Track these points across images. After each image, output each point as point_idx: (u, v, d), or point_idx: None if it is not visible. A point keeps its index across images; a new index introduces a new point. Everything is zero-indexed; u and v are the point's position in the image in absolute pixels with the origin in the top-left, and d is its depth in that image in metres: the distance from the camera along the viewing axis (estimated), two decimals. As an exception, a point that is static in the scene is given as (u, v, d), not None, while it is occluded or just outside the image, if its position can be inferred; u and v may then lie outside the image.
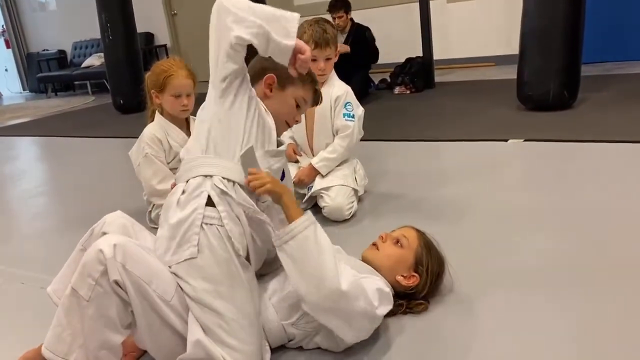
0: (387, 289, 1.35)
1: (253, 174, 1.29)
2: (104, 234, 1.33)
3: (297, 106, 1.46)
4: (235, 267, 1.24)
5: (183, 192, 1.28)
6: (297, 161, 2.37)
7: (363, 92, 4.88)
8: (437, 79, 5.37)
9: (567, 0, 3.48)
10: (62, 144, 4.84)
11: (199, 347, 1.17)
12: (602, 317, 1.37)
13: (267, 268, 1.44)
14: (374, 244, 1.49)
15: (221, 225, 1.23)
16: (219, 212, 1.24)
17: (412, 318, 1.44)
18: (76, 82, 9.25)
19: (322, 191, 2.21)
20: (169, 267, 1.23)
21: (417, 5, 5.15)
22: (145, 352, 1.35)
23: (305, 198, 2.28)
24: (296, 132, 2.41)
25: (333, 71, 2.34)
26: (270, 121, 1.38)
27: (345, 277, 1.21)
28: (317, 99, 1.51)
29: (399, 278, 1.41)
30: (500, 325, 1.38)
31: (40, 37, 9.90)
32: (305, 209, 1.66)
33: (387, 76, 5.48)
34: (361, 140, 2.39)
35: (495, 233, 1.93)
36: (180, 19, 8.35)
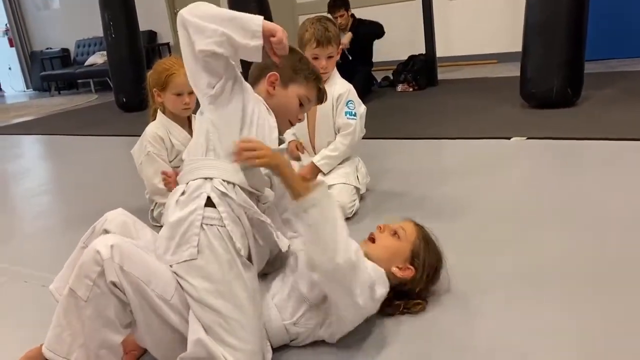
0: (381, 271, 1.34)
1: (246, 142, 1.26)
2: (105, 231, 1.34)
3: (301, 105, 1.45)
4: (237, 267, 1.24)
5: (183, 193, 1.28)
6: (299, 158, 2.37)
7: (366, 89, 4.87)
8: (440, 76, 5.35)
9: (571, -3, 3.48)
10: (65, 142, 4.85)
11: (200, 346, 1.17)
12: (606, 317, 1.36)
13: (269, 267, 1.43)
14: (371, 237, 1.47)
15: (222, 226, 1.23)
16: (220, 212, 1.23)
17: (410, 318, 1.43)
18: (79, 81, 9.27)
19: (324, 189, 2.21)
20: (170, 266, 1.23)
21: (419, 2, 5.14)
22: (146, 350, 1.35)
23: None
24: (298, 130, 2.40)
25: (335, 69, 2.34)
26: (272, 121, 1.37)
27: (355, 248, 1.24)
28: (321, 97, 1.50)
29: (394, 269, 1.39)
30: (500, 325, 1.38)
31: (44, 35, 9.92)
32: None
33: (389, 74, 5.47)
34: (363, 138, 2.38)
35: (498, 231, 1.92)
36: (182, 17, 8.35)
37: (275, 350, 1.34)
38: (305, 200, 1.23)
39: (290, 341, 1.36)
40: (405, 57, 5.37)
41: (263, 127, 1.34)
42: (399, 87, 5.17)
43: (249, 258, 1.28)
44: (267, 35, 1.22)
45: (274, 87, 1.41)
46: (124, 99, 5.77)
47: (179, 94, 2.22)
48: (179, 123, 2.31)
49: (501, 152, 2.91)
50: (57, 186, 3.47)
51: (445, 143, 3.24)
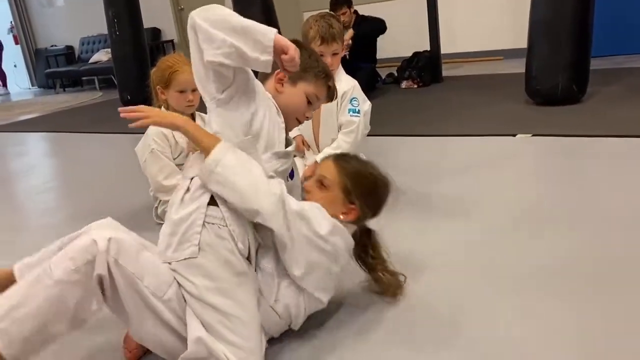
0: (333, 220, 1.31)
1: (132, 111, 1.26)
2: None
3: (309, 103, 1.43)
4: (237, 266, 1.23)
5: (187, 190, 1.27)
6: (303, 154, 2.36)
7: (370, 86, 4.86)
8: (444, 73, 5.34)
9: (576, -7, 3.45)
10: (70, 139, 4.86)
11: (200, 345, 1.17)
12: (608, 318, 1.35)
13: None
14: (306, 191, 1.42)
15: (224, 225, 1.23)
16: (222, 212, 1.23)
17: (413, 316, 1.43)
18: (84, 78, 9.29)
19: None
20: (169, 263, 1.23)
21: (424, -2, 5.12)
22: (148, 350, 1.35)
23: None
24: (302, 127, 2.39)
25: (340, 66, 2.33)
26: (280, 122, 1.37)
27: (278, 188, 1.24)
28: (331, 95, 1.49)
29: (341, 217, 1.36)
30: (502, 324, 1.37)
31: (48, 33, 9.95)
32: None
33: (394, 70, 5.46)
34: (367, 135, 2.38)
35: (503, 229, 1.91)
36: (187, 14, 8.28)
37: (275, 342, 1.35)
38: (209, 159, 1.21)
39: (288, 326, 1.35)
40: (409, 54, 5.35)
41: (273, 130, 1.33)
42: (403, 84, 5.16)
43: (249, 257, 1.27)
44: (278, 52, 1.21)
45: (282, 85, 1.41)
46: (128, 97, 5.78)
47: (182, 91, 2.21)
48: (183, 120, 2.31)
49: (506, 149, 2.90)
50: (61, 183, 3.48)
51: (450, 140, 3.23)
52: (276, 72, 1.37)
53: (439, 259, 1.73)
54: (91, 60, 8.76)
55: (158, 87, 2.25)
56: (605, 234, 1.78)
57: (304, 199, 1.38)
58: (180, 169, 2.28)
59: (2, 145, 5.04)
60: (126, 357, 1.38)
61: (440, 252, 1.77)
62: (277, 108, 1.37)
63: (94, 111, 6.40)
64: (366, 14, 5.18)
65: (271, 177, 1.30)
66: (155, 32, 8.49)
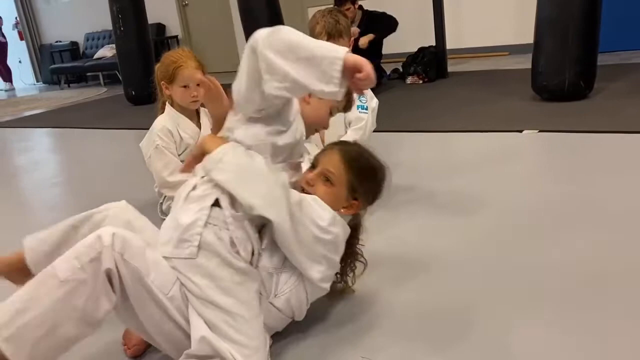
0: (333, 212, 1.31)
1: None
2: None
3: (330, 113, 1.46)
4: (238, 265, 1.23)
5: (194, 187, 1.27)
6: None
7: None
8: (450, 68, 5.31)
9: (584, -13, 3.42)
10: (75, 135, 4.87)
11: (204, 344, 1.16)
12: (610, 317, 1.34)
13: None
14: (307, 182, 1.37)
15: (226, 229, 1.22)
16: (225, 216, 1.22)
17: (417, 315, 1.42)
18: (88, 74, 9.30)
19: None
20: (170, 258, 1.22)
21: (430, -7, 5.09)
22: (150, 345, 1.34)
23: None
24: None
25: None
26: (302, 128, 1.38)
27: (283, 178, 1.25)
28: (349, 106, 1.49)
29: (342, 211, 1.35)
30: (504, 324, 1.36)
31: (53, 28, 9.96)
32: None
33: (399, 66, 5.43)
34: (373, 131, 2.36)
35: (509, 227, 1.90)
36: (191, 9, 8.34)
37: (278, 339, 1.34)
38: (217, 150, 1.23)
39: (292, 319, 1.35)
40: (415, 49, 5.33)
41: (296, 144, 1.34)
42: (409, 80, 5.13)
43: (251, 261, 1.26)
44: (351, 72, 1.11)
45: (310, 96, 1.41)
46: (133, 92, 5.78)
47: (186, 87, 2.20)
48: (188, 116, 2.30)
49: (512, 146, 2.88)
50: (66, 179, 3.48)
51: (456, 136, 3.21)
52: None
53: (443, 255, 1.72)
54: (96, 56, 8.77)
55: (162, 82, 2.24)
56: (612, 232, 1.76)
57: (303, 191, 1.35)
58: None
59: (8, 141, 5.06)
60: (126, 354, 1.38)
61: (445, 249, 1.76)
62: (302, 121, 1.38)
63: (98, 107, 6.41)
64: (371, 9, 5.15)
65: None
66: (160, 27, 8.49)
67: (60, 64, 9.22)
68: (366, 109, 2.24)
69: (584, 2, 3.43)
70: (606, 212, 1.91)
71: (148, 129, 2.32)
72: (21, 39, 10.27)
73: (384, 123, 2.80)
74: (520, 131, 3.04)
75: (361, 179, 1.36)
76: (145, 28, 5.81)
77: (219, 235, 1.22)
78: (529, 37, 3.90)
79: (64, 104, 7.00)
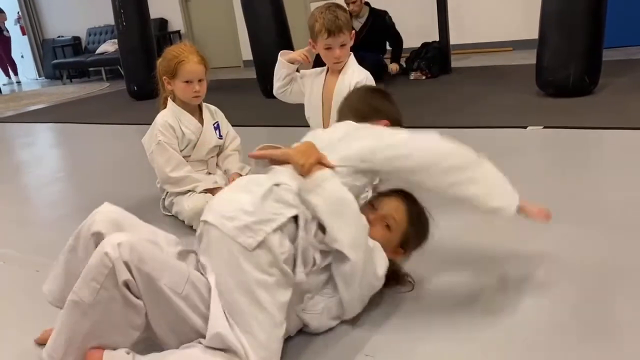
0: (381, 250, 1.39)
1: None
2: (96, 233, 1.29)
3: None
4: (286, 272, 1.23)
5: (278, 185, 1.30)
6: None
7: (376, 76, 4.80)
8: (453, 64, 5.28)
9: (589, -18, 3.38)
10: (77, 130, 4.86)
11: (218, 340, 1.15)
12: (610, 317, 1.33)
13: None
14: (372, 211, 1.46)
15: (291, 242, 1.25)
16: (299, 232, 1.26)
17: (422, 314, 1.41)
18: (91, 69, 9.30)
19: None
20: (222, 231, 1.22)
21: (433, -12, 5.05)
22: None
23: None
24: (312, 118, 2.37)
25: (352, 56, 2.29)
26: None
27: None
28: None
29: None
30: (505, 323, 1.35)
31: (55, 23, 9.95)
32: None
33: (402, 61, 5.40)
34: (376, 127, 2.35)
35: (511, 225, 1.88)
36: (193, 4, 8.31)
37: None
38: (318, 174, 1.30)
39: (304, 325, 1.36)
40: (418, 45, 5.30)
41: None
42: (412, 75, 5.11)
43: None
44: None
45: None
46: (135, 87, 5.77)
47: (188, 82, 2.18)
48: (190, 111, 2.28)
49: (517, 142, 2.86)
50: (69, 175, 3.48)
51: (459, 132, 3.18)
52: (382, 121, 1.61)
53: (446, 252, 1.70)
54: (98, 51, 8.76)
55: (164, 77, 2.22)
56: (619, 229, 1.74)
57: None
58: (187, 161, 2.26)
59: (10, 136, 5.06)
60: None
61: (447, 246, 1.75)
62: None
63: (100, 102, 6.40)
64: (376, 5, 5.13)
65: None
66: (162, 22, 8.46)
67: (63, 59, 9.22)
68: (370, 104, 2.22)
69: (590, -2, 3.40)
70: (611, 208, 1.89)
71: (150, 124, 2.31)
72: (23, 33, 10.26)
73: (387, 119, 2.78)
74: (525, 127, 3.02)
75: (416, 235, 1.46)
76: (147, 23, 5.79)
77: (282, 242, 1.23)
78: (533, 32, 3.87)
79: (66, 99, 7.00)
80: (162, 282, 1.14)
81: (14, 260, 2.09)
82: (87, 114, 5.57)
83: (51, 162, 3.89)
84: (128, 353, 1.16)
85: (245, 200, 1.27)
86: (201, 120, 2.31)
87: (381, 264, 1.35)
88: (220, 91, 5.29)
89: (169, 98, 2.28)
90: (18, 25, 10.24)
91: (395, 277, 1.47)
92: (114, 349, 1.16)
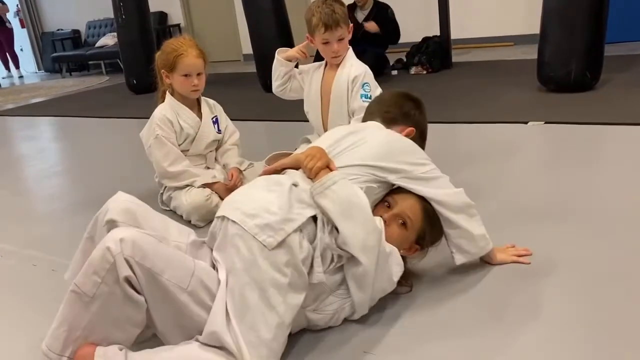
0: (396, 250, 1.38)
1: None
2: (110, 221, 1.30)
3: None
4: (301, 273, 1.22)
5: (296, 185, 1.31)
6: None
7: (377, 70, 4.79)
8: (454, 59, 5.26)
9: (591, -23, 3.36)
10: (77, 124, 4.85)
11: (213, 339, 1.14)
12: (610, 318, 1.32)
13: None
14: (386, 207, 1.45)
15: (310, 242, 1.25)
16: (318, 236, 1.26)
17: (424, 314, 1.40)
18: (90, 62, 9.27)
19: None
20: (242, 228, 1.21)
21: (434, -17, 5.03)
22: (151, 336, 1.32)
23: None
24: (311, 112, 2.36)
25: (350, 50, 2.27)
26: None
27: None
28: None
29: (402, 252, 1.41)
30: (506, 322, 1.34)
31: (55, 16, 9.91)
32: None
33: (403, 56, 5.38)
34: (376, 122, 2.33)
35: (512, 221, 1.88)
36: (193, -2, 8.28)
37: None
38: (327, 176, 1.29)
39: (307, 325, 1.35)
40: (419, 39, 5.28)
41: None
42: (413, 70, 5.09)
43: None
44: None
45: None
46: (135, 81, 5.75)
47: (187, 75, 2.16)
48: (188, 105, 2.27)
49: (518, 137, 2.85)
50: (68, 168, 3.47)
51: (460, 127, 3.18)
52: (408, 128, 1.62)
53: (446, 252, 1.69)
54: (97, 45, 8.73)
55: (163, 70, 2.21)
56: (617, 223, 1.73)
57: None
58: (185, 155, 2.25)
59: (10, 129, 5.04)
60: None
61: (447, 246, 1.73)
62: None
63: (100, 96, 6.38)
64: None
65: None
66: (162, 16, 8.44)
67: (62, 52, 9.19)
68: (370, 98, 2.21)
69: (592, -7, 3.38)
70: (612, 204, 1.88)
71: (149, 118, 2.29)
72: (22, 26, 10.23)
73: (388, 113, 2.77)
74: (526, 122, 3.01)
75: (432, 231, 1.46)
76: (147, 16, 5.77)
77: (302, 243, 1.23)
78: (534, 28, 3.85)
79: (66, 92, 6.98)
80: (165, 277, 1.13)
81: (11, 254, 2.08)
82: (86, 107, 5.56)
83: (50, 155, 3.88)
84: (121, 349, 1.14)
85: (269, 199, 1.26)
86: (200, 115, 2.29)
87: (397, 271, 1.35)
88: (220, 85, 5.28)
89: (167, 92, 2.27)
90: (17, 18, 10.20)
91: (404, 277, 1.44)
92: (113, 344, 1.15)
